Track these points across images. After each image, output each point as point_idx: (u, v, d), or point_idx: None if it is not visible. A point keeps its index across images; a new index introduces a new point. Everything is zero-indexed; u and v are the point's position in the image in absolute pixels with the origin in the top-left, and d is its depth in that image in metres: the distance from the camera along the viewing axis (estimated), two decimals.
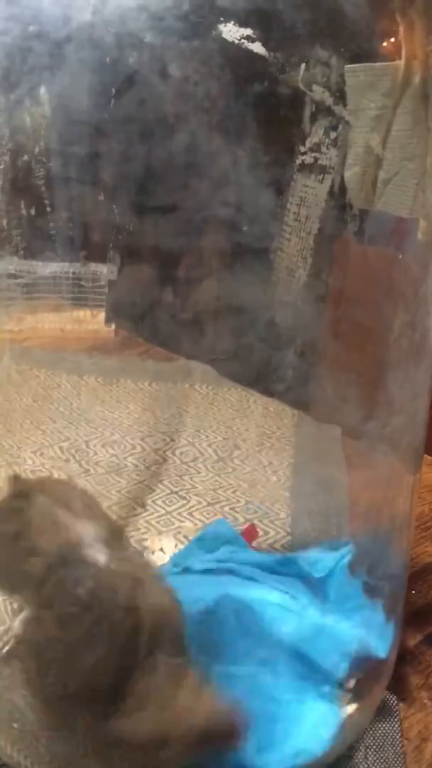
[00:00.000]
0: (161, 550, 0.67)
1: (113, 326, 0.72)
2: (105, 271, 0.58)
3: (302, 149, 0.49)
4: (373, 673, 0.53)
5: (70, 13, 0.40)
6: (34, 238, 0.52)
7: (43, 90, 0.44)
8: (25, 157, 0.48)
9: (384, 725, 0.53)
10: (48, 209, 0.50)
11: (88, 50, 0.41)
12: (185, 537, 0.69)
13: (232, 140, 0.49)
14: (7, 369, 0.63)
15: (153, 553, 0.66)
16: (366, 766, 0.50)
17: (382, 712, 0.54)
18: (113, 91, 0.43)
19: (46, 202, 0.50)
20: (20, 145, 0.47)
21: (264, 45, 0.44)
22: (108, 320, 0.69)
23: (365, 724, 0.53)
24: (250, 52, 0.43)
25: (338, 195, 0.50)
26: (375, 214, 0.50)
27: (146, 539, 0.68)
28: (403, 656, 0.60)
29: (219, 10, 0.41)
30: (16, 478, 0.50)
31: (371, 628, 0.54)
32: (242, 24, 0.42)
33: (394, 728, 0.53)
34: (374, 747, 0.52)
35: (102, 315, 0.68)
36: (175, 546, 0.69)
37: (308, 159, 0.50)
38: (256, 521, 0.70)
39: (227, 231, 0.54)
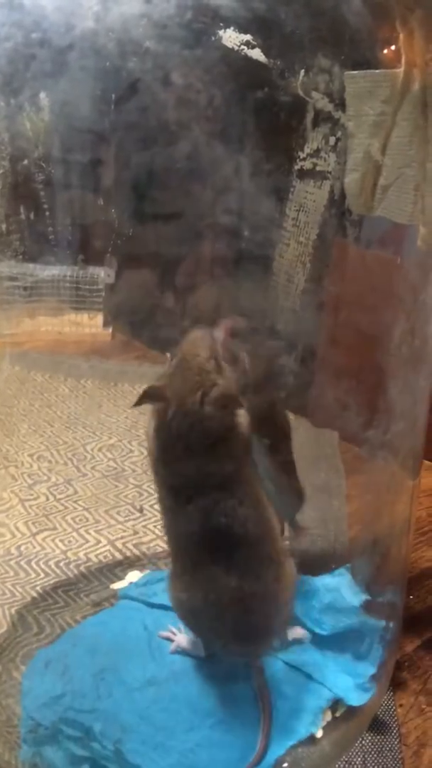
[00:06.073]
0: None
1: (110, 329, 0.72)
2: (102, 274, 0.58)
3: (301, 155, 0.49)
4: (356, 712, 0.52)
5: (73, 20, 0.40)
6: (33, 242, 0.52)
7: (43, 95, 0.44)
8: (25, 162, 0.48)
9: (382, 731, 0.53)
10: (47, 213, 0.50)
11: (91, 57, 0.41)
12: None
13: (233, 147, 0.49)
14: (6, 372, 0.63)
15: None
16: None
17: (380, 717, 0.54)
18: (115, 97, 0.43)
19: (45, 206, 0.50)
20: (20, 150, 0.47)
21: (264, 52, 0.44)
22: (106, 324, 0.69)
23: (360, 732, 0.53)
24: (251, 60, 0.43)
25: (337, 201, 0.51)
26: (374, 220, 0.50)
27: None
28: (401, 661, 0.60)
29: (222, 19, 0.41)
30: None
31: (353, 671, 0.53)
32: (242, 31, 0.42)
33: (393, 734, 0.53)
34: (373, 752, 0.52)
35: (99, 318, 0.68)
36: None
37: (307, 165, 0.50)
38: None
39: (228, 238, 0.54)
